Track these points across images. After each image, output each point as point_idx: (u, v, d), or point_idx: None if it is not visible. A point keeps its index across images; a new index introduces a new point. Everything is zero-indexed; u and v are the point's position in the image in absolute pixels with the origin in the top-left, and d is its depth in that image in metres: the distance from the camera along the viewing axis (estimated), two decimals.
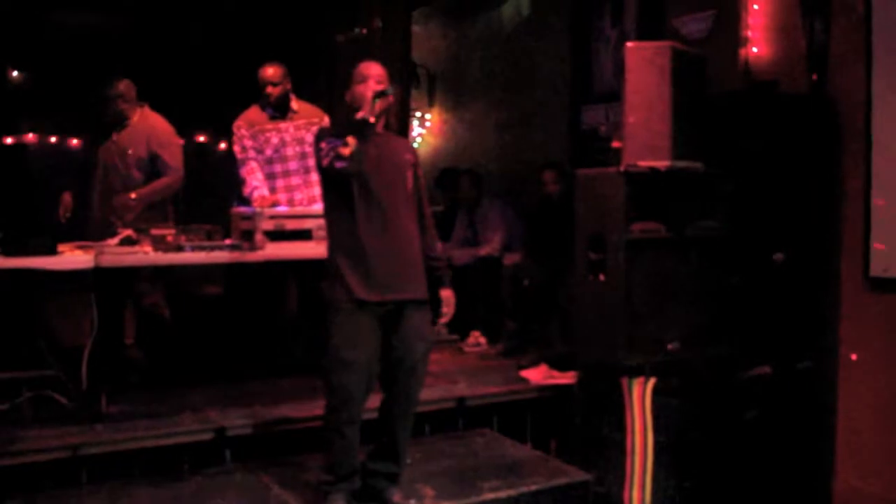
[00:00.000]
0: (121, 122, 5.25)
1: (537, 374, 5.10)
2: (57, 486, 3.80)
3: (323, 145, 3.42)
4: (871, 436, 4.47)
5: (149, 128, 5.25)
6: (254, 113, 5.24)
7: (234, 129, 5.23)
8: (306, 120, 5.19)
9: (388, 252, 3.47)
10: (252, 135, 5.17)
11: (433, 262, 3.68)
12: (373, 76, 3.51)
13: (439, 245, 3.79)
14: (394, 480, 3.63)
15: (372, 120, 3.39)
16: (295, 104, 5.24)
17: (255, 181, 5.11)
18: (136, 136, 5.21)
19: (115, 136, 5.27)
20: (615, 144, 4.97)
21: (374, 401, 3.60)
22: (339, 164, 3.36)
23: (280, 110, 5.19)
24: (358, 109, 3.43)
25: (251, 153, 5.16)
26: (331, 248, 3.57)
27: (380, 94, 3.43)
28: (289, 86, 5.19)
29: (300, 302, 5.40)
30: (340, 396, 3.43)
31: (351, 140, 3.33)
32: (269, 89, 5.12)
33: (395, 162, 3.58)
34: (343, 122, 3.58)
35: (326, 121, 5.26)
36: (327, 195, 3.59)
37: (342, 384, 3.41)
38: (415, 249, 3.59)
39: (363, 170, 3.42)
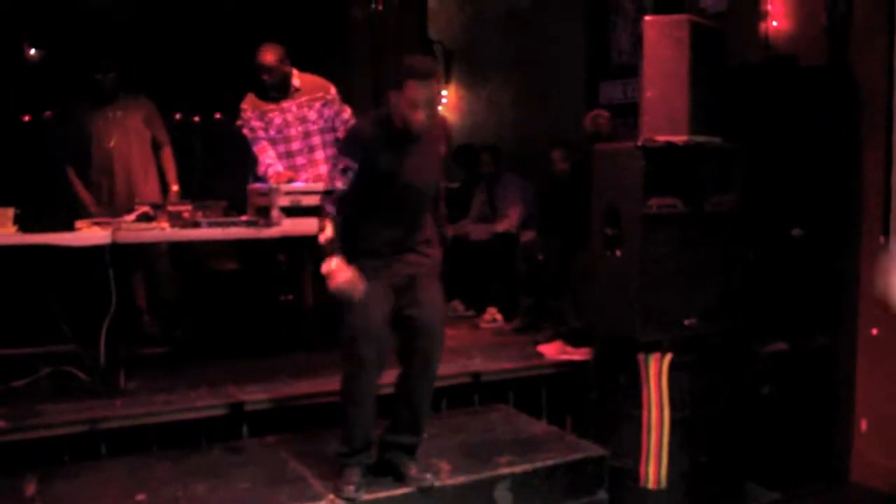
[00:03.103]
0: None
1: (553, 350, 5.10)
2: (76, 459, 3.84)
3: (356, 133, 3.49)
4: (890, 410, 4.45)
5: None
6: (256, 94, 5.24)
7: (241, 112, 5.24)
8: (309, 97, 5.15)
9: (406, 235, 3.50)
10: (258, 115, 5.17)
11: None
12: (421, 102, 3.30)
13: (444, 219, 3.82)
14: (411, 452, 3.64)
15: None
16: (297, 80, 5.17)
17: (268, 159, 5.12)
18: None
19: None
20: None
21: (391, 377, 3.61)
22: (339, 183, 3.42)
23: (282, 91, 5.16)
24: (400, 123, 3.36)
25: (260, 133, 5.17)
26: (343, 231, 3.47)
27: None
28: (286, 69, 5.11)
29: (315, 279, 5.41)
30: (354, 364, 3.43)
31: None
32: (265, 77, 5.08)
33: (431, 162, 3.55)
34: (383, 131, 3.44)
35: (333, 91, 5.21)
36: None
37: (355, 351, 3.41)
38: (426, 227, 3.60)
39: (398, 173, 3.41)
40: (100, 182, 5.44)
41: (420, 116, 3.32)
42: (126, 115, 5.49)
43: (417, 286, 3.51)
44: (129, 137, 5.48)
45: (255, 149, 5.19)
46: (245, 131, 5.22)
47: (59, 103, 5.68)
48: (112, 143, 5.43)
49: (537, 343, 5.28)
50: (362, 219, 3.49)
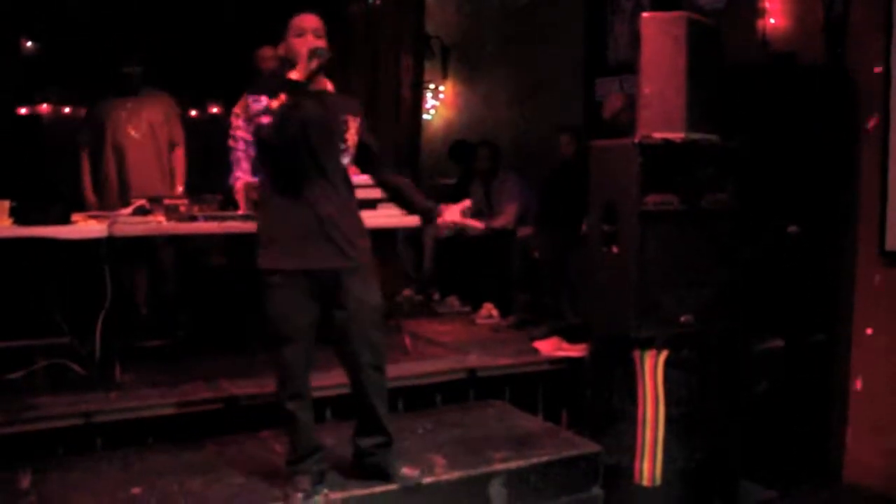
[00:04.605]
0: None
1: (549, 346, 5.10)
2: (71, 452, 3.84)
3: (251, 102, 3.18)
4: (885, 409, 4.46)
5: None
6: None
7: (232, 119, 5.18)
8: None
9: (318, 219, 3.24)
10: (247, 125, 5.12)
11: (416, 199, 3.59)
12: (310, 30, 3.27)
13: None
14: (388, 448, 3.52)
15: (302, 79, 3.18)
16: None
17: (238, 171, 5.08)
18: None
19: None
20: None
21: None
22: (264, 119, 3.10)
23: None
24: (292, 64, 3.24)
25: (241, 144, 5.09)
26: (261, 216, 3.41)
27: (315, 53, 3.19)
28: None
29: None
30: (281, 372, 3.33)
31: (283, 97, 3.09)
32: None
33: (331, 125, 3.31)
34: (274, 77, 3.39)
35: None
36: (260, 160, 3.44)
37: (281, 359, 3.30)
38: (349, 214, 3.36)
39: (293, 134, 3.17)
40: (110, 173, 5.44)
41: (308, 42, 3.23)
42: (147, 109, 5.52)
43: (341, 284, 3.29)
44: (147, 132, 5.50)
45: (231, 158, 5.15)
46: (230, 142, 5.16)
47: (84, 92, 5.70)
48: (129, 136, 5.45)
49: (533, 339, 5.29)
50: (273, 192, 3.31)
